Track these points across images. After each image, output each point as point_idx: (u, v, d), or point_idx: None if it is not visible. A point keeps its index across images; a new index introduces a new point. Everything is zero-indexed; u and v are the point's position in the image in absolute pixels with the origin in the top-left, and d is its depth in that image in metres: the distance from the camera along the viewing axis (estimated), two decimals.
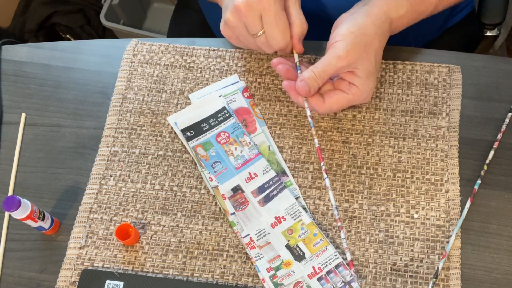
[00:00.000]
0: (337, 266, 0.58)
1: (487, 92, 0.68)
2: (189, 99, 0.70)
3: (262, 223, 0.61)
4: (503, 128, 0.66)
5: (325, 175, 0.61)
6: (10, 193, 0.65)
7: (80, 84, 0.72)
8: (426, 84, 0.69)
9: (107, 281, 0.58)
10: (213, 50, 0.73)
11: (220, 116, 0.67)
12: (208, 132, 0.66)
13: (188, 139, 0.66)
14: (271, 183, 0.63)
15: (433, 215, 0.61)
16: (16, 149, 0.68)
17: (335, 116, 0.67)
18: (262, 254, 0.59)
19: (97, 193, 0.64)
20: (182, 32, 0.98)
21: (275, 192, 0.62)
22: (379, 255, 0.60)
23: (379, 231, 0.61)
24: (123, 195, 0.64)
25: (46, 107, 0.71)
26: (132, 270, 0.60)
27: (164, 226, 0.62)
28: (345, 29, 0.60)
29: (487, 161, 0.64)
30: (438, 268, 0.58)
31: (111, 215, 0.63)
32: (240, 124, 0.67)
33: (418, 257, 0.59)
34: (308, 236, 0.60)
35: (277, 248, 0.59)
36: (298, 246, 0.59)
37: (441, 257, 0.59)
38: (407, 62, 0.70)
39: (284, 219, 0.61)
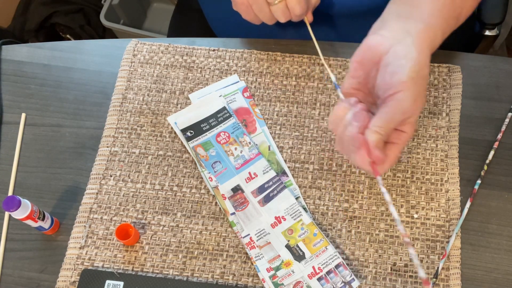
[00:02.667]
0: (337, 266, 0.58)
1: (487, 92, 0.68)
2: (189, 99, 0.70)
3: (262, 223, 0.61)
4: (503, 128, 0.66)
5: (383, 189, 0.51)
6: (10, 193, 0.65)
7: (80, 84, 0.72)
8: None
9: (107, 281, 0.58)
10: (213, 50, 0.73)
11: (220, 116, 0.67)
12: (208, 132, 0.66)
13: (188, 139, 0.66)
14: (271, 183, 0.63)
15: (433, 215, 0.61)
16: (16, 149, 0.68)
17: None
18: (262, 254, 0.59)
19: (97, 193, 0.64)
20: (182, 32, 0.98)
21: (275, 192, 0.62)
22: (379, 255, 0.60)
23: (379, 231, 0.61)
24: (123, 195, 0.64)
25: (46, 107, 0.71)
26: (132, 270, 0.60)
27: (164, 226, 0.62)
28: (405, 75, 0.51)
29: (487, 161, 0.64)
30: (438, 268, 0.58)
31: (111, 215, 0.63)
32: (240, 124, 0.67)
33: (418, 257, 0.59)
34: (308, 236, 0.60)
35: (277, 248, 0.59)
36: (298, 246, 0.59)
37: (441, 257, 0.59)
38: None
39: (284, 219, 0.61)
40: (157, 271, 0.60)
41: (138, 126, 0.68)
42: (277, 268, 0.58)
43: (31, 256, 0.62)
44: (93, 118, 0.69)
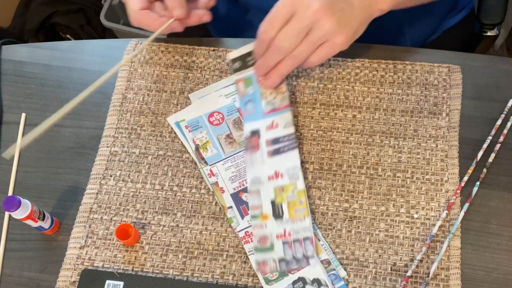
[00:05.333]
0: (305, 239, 0.58)
1: (487, 92, 0.68)
2: (189, 99, 0.70)
3: (262, 172, 0.61)
4: (505, 131, 0.66)
5: None
6: (10, 193, 0.65)
7: (80, 84, 0.72)
8: (426, 84, 0.69)
9: (107, 281, 0.58)
10: (213, 50, 0.73)
11: None
12: (252, 68, 0.65)
13: (235, 70, 0.65)
14: (286, 138, 0.63)
15: (433, 215, 0.61)
16: (16, 149, 0.68)
17: (335, 116, 0.67)
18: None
19: (97, 193, 0.64)
20: (182, 32, 0.98)
21: (286, 148, 0.63)
22: (379, 255, 0.60)
23: (379, 231, 0.61)
24: (123, 195, 0.64)
25: (46, 107, 0.71)
26: (132, 270, 0.60)
27: (164, 226, 0.62)
28: None
29: (487, 162, 0.64)
30: (432, 267, 0.58)
31: (111, 215, 0.63)
32: None
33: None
34: (294, 201, 0.60)
35: (263, 199, 0.60)
36: (281, 206, 0.60)
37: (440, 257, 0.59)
38: (407, 62, 0.70)
39: (282, 176, 0.61)
40: (157, 271, 0.60)
41: (138, 126, 0.68)
42: (254, 217, 0.59)
43: (31, 256, 0.62)
44: (93, 118, 0.69)
